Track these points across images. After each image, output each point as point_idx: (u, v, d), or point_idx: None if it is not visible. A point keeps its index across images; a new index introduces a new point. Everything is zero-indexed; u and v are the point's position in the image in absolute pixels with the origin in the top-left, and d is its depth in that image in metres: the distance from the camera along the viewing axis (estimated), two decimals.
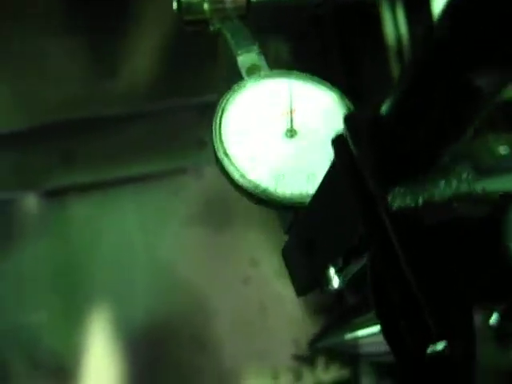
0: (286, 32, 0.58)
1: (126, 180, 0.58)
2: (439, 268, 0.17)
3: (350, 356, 0.50)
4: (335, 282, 0.24)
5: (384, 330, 0.20)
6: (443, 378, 0.18)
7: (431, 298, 0.16)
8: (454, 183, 0.18)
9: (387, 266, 0.17)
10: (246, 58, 0.32)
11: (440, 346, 0.16)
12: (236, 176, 0.27)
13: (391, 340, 0.20)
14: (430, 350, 0.16)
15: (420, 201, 0.17)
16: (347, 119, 0.19)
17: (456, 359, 0.17)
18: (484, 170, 0.18)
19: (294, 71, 0.31)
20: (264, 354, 0.57)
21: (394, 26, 0.50)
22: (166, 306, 0.56)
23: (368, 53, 0.53)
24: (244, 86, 0.31)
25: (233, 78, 0.31)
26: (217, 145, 0.28)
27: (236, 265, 0.58)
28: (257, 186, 0.27)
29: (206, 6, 0.35)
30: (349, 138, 0.19)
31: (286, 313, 0.57)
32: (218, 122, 0.29)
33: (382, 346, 0.19)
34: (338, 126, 0.19)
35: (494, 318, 0.17)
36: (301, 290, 0.27)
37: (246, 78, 0.31)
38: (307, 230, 0.24)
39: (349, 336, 0.42)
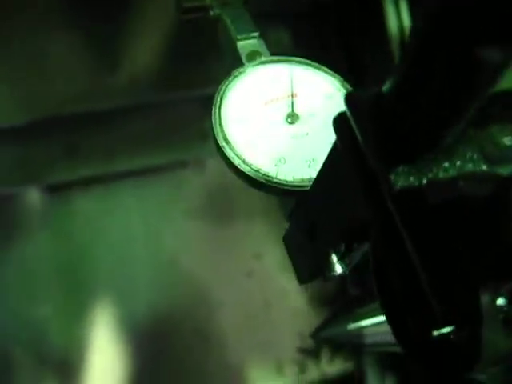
0: (287, 17, 0.57)
1: (129, 173, 0.57)
2: (444, 247, 0.16)
3: (353, 346, 0.50)
4: (338, 267, 0.24)
5: (387, 316, 0.20)
6: (448, 361, 0.18)
7: (436, 278, 0.16)
8: (459, 163, 0.18)
9: (390, 247, 0.17)
10: (246, 44, 0.31)
11: (445, 329, 0.16)
12: (237, 162, 0.27)
13: (395, 325, 0.19)
14: (435, 333, 0.16)
15: (424, 180, 0.17)
16: (348, 98, 0.19)
17: (462, 342, 0.17)
18: (489, 161, 0.17)
19: (295, 56, 0.31)
20: (268, 346, 0.56)
21: (397, 17, 0.49)
22: (169, 299, 0.56)
23: (369, 37, 0.53)
24: (244, 72, 0.30)
25: (233, 64, 0.31)
26: (217, 131, 0.28)
27: (239, 258, 0.58)
28: (258, 172, 0.27)
29: None
30: (350, 118, 0.18)
31: (289, 306, 0.57)
32: (217, 108, 0.29)
33: (386, 335, 0.19)
34: (338, 110, 0.19)
35: (500, 300, 0.17)
36: (303, 277, 0.27)
37: (246, 63, 0.31)
38: (309, 213, 0.24)
39: (352, 326, 0.42)
